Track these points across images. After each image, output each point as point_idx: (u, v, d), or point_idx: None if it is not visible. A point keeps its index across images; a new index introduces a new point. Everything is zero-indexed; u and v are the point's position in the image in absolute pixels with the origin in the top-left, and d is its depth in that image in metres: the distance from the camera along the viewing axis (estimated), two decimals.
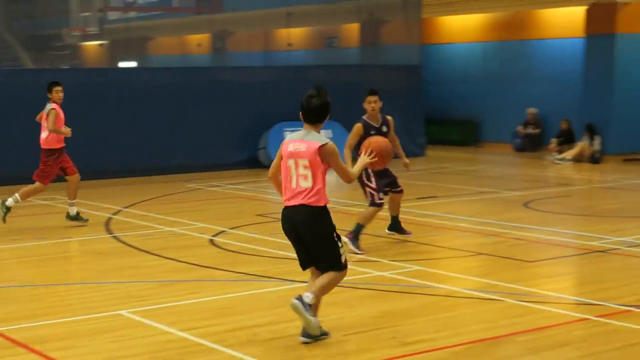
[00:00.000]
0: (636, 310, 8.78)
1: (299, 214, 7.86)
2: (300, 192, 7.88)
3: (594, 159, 22.33)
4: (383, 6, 26.27)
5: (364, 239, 12.16)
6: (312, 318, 7.84)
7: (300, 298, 7.84)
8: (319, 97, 7.95)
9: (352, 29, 29.15)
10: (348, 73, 24.50)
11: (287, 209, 7.97)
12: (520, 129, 25.37)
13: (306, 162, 7.86)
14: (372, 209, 11.87)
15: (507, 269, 10.75)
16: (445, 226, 13.65)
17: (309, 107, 7.93)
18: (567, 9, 24.72)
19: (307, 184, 7.87)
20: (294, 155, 7.90)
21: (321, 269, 8.06)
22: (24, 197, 13.83)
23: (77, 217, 14.03)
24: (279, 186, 8.12)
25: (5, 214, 13.71)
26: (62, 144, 13.83)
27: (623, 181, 18.70)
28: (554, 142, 23.46)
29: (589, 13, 23.42)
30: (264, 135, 22.19)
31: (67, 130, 13.69)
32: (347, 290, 9.64)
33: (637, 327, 8.25)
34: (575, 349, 7.72)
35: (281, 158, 8.02)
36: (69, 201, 14.08)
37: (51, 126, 13.49)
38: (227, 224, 13.89)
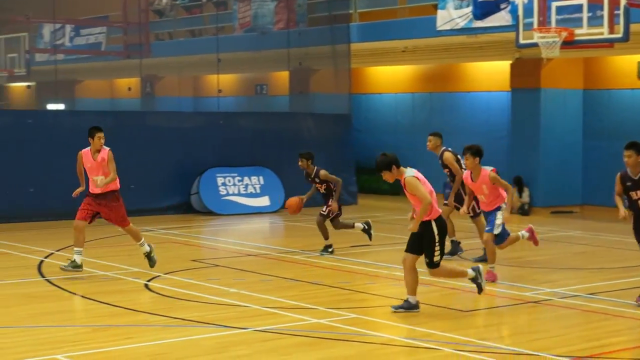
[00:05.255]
0: None
1: None
2: None
3: (523, 211, 22.69)
4: (313, 55, 26.49)
5: (296, 285, 12.17)
6: None
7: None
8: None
9: (281, 77, 29.32)
10: (278, 121, 24.63)
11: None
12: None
13: None
14: None
15: (443, 318, 10.84)
16: (380, 275, 13.73)
17: None
18: (493, 63, 25.22)
19: None
20: None
21: None
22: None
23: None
24: None
25: None
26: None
27: (552, 233, 19.00)
28: None
29: (513, 68, 23.90)
30: (195, 181, 22.15)
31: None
32: (283, 337, 9.63)
33: None
34: None
35: None
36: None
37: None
38: (162, 269, 13.77)
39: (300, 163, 15.84)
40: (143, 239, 13.63)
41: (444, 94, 26.93)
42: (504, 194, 13.24)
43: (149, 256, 13.57)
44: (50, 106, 33.12)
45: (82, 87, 38.73)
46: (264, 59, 28.64)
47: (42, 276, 13.34)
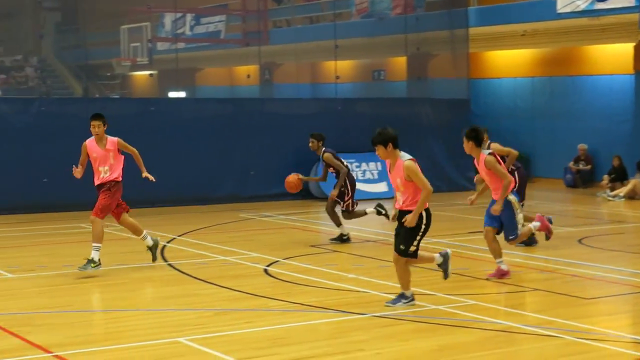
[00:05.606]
0: None
1: None
2: None
3: None
4: (430, 40, 26.33)
5: (415, 271, 12.14)
6: None
7: None
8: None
9: (399, 62, 29.23)
10: (395, 106, 24.57)
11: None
12: (571, 164, 25.24)
13: None
14: None
15: (564, 305, 10.66)
16: None
17: None
18: (615, 46, 24.64)
19: None
20: None
21: None
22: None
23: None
24: None
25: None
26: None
27: None
28: (606, 178, 23.31)
29: (637, 50, 23.31)
30: (314, 167, 22.28)
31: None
32: (403, 323, 9.62)
33: None
34: None
35: None
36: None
37: None
38: (281, 254, 13.93)
39: (310, 144, 15.64)
40: (100, 245, 12.52)
41: (565, 77, 26.45)
42: (512, 181, 12.06)
43: (92, 261, 12.45)
44: (172, 94, 33.75)
45: (202, 75, 39.34)
46: (382, 45, 28.59)
47: (165, 261, 13.62)
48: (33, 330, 9.41)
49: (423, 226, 10.23)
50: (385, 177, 22.71)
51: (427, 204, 10.17)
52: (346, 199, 15.34)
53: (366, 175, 22.72)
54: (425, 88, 26.15)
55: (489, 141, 15.31)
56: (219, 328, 9.49)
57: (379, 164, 22.80)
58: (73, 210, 19.41)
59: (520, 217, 12.26)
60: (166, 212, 19.69)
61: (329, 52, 27.08)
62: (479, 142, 11.81)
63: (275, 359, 8.32)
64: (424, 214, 10.20)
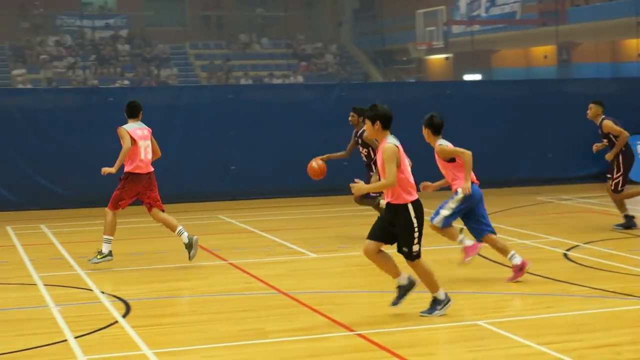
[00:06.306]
0: None
1: None
2: None
3: None
4: None
5: None
6: None
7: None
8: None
9: None
10: None
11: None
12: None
13: None
14: None
15: None
16: None
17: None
18: None
19: None
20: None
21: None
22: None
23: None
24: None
25: None
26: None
27: None
28: None
29: None
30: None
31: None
32: None
33: None
34: None
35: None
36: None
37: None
38: (581, 239, 13.59)
39: (350, 118, 14.38)
40: (112, 238, 12.26)
41: None
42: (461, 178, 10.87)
43: (101, 253, 12.27)
44: (467, 77, 33.83)
45: (497, 57, 39.05)
46: None
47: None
48: (335, 309, 9.71)
49: (414, 220, 9.02)
50: None
51: (416, 195, 9.04)
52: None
53: None
54: None
55: (602, 116, 14.43)
56: (518, 312, 9.42)
57: None
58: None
59: (451, 205, 10.99)
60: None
61: (630, 30, 26.13)
62: (434, 130, 10.75)
63: (577, 345, 8.12)
64: (410, 207, 9.00)
